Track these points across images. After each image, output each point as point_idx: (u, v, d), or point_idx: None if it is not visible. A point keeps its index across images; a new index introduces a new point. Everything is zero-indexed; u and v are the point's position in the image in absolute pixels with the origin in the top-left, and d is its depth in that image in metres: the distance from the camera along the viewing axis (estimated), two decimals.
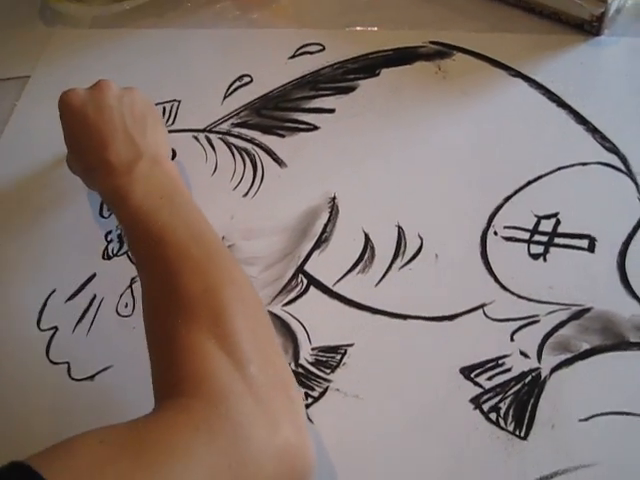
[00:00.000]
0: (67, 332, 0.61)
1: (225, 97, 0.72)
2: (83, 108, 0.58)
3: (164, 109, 0.72)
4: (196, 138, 0.70)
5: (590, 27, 0.66)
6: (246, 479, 0.38)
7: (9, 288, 0.64)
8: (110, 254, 0.64)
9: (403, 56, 0.69)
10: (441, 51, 0.68)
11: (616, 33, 0.67)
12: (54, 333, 0.61)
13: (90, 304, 0.62)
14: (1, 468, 0.33)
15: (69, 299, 0.62)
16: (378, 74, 0.69)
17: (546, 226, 0.57)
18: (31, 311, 0.62)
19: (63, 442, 0.35)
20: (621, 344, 0.52)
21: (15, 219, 0.68)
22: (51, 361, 0.59)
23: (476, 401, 0.51)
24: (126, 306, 0.61)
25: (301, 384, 0.54)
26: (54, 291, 0.63)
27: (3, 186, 0.70)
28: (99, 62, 0.73)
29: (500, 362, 0.53)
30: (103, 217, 0.67)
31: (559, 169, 0.60)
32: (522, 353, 0.53)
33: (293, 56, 0.72)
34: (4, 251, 0.66)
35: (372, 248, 0.59)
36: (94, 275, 0.63)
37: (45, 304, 0.62)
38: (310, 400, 0.53)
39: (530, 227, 0.57)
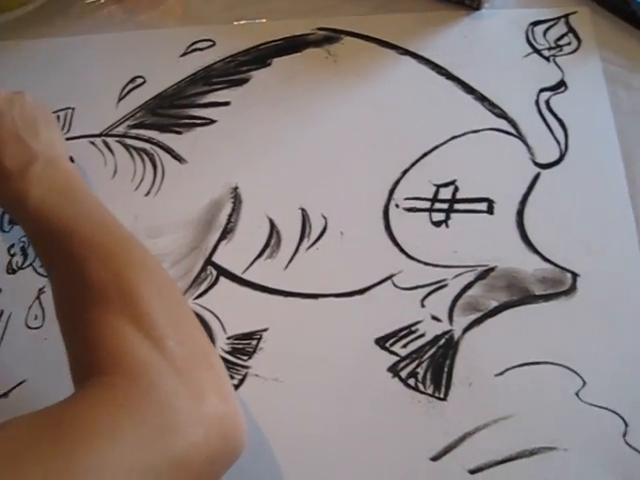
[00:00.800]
0: None
1: (119, 100, 0.70)
2: None
3: (58, 117, 0.70)
4: (93, 143, 0.68)
5: (470, 1, 0.68)
6: (176, 449, 0.37)
7: None
8: (14, 268, 0.62)
9: (293, 44, 0.70)
10: (329, 36, 0.69)
11: (495, 6, 0.69)
12: None
13: None
14: None
15: None
16: (270, 64, 0.69)
17: (445, 194, 0.59)
18: None
19: None
20: (527, 298, 0.53)
21: None
22: None
23: (394, 369, 0.52)
24: (35, 318, 0.59)
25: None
26: None
27: None
28: None
29: (413, 329, 0.53)
30: (4, 231, 0.64)
31: (452, 138, 0.61)
32: (434, 317, 0.53)
33: (184, 54, 0.72)
34: None
35: (278, 233, 0.59)
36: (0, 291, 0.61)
37: None
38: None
39: (430, 196, 0.59)
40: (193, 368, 0.41)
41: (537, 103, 0.62)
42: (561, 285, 0.54)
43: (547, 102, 0.62)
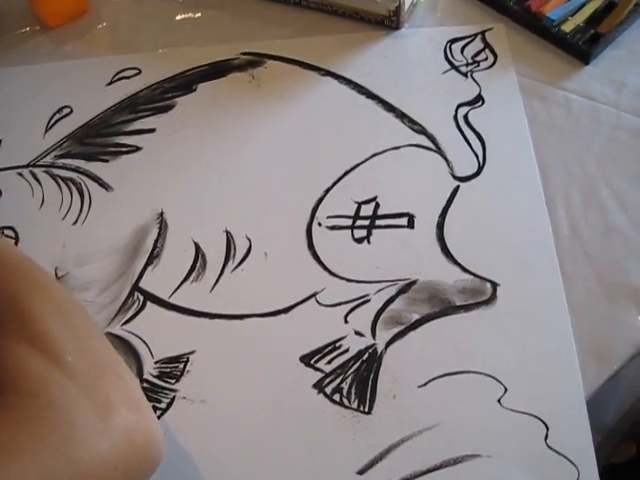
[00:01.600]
0: None
1: (47, 130, 0.70)
2: None
3: None
4: (20, 174, 0.68)
5: (390, 22, 0.70)
6: (80, 463, 0.37)
7: None
8: None
9: (217, 70, 0.70)
10: (253, 61, 0.70)
11: (414, 25, 0.71)
12: None
13: None
14: None
15: None
16: (195, 89, 0.70)
17: (366, 210, 0.59)
18: None
19: None
20: (448, 309, 0.54)
21: None
22: None
23: (319, 385, 0.52)
24: None
25: (148, 398, 0.52)
26: None
27: None
28: None
29: (337, 345, 0.54)
30: None
31: (373, 156, 0.62)
32: (357, 333, 0.54)
33: (110, 82, 0.72)
34: None
35: (203, 256, 0.60)
36: None
37: None
38: (159, 412, 0.53)
39: (351, 214, 0.60)
40: (97, 380, 0.41)
41: (455, 118, 0.64)
42: (481, 295, 0.55)
43: (465, 117, 0.64)
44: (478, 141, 0.63)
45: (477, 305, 0.54)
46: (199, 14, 0.76)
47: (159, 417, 0.53)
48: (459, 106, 0.65)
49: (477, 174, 0.61)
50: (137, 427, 0.41)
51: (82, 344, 0.44)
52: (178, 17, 0.77)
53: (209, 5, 0.77)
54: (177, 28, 0.75)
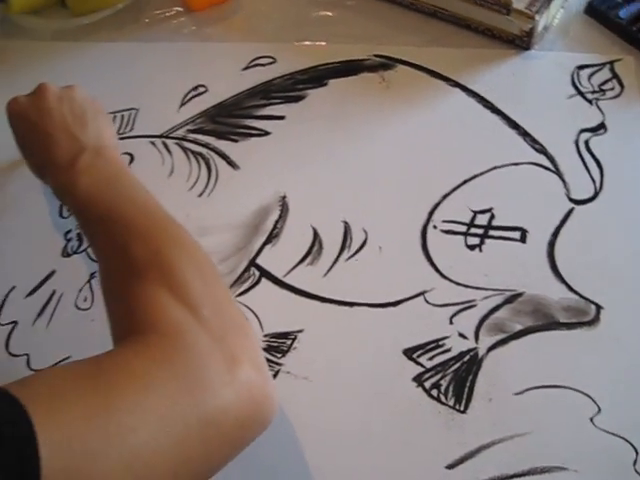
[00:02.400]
0: (27, 326, 0.62)
1: (181, 105, 0.75)
2: (26, 113, 0.62)
3: (122, 117, 0.75)
4: (153, 143, 0.73)
5: (521, 42, 0.72)
6: (207, 407, 0.41)
7: None
8: (69, 252, 0.67)
9: (349, 68, 0.74)
10: (384, 63, 0.73)
11: (544, 48, 0.73)
12: (13, 327, 0.63)
13: (50, 299, 0.64)
14: None
15: (29, 295, 0.64)
16: (326, 84, 0.73)
17: (481, 220, 0.62)
18: None
19: (39, 372, 0.38)
20: (551, 324, 0.56)
21: None
22: (10, 353, 0.61)
23: (418, 379, 0.55)
24: (85, 300, 0.63)
25: None
26: (14, 288, 0.65)
27: None
28: (58, 74, 0.76)
29: (440, 343, 0.56)
30: (63, 217, 0.69)
31: (494, 168, 0.64)
32: (460, 335, 0.56)
33: (246, 68, 0.76)
34: None
35: (320, 242, 0.63)
36: (53, 272, 0.65)
37: (4, 300, 0.64)
38: None
39: (467, 221, 0.62)
40: (227, 335, 0.45)
41: (577, 142, 0.66)
42: (585, 315, 0.56)
43: (586, 142, 0.65)
44: (597, 167, 0.64)
45: (579, 325, 0.56)
46: (334, 13, 0.79)
47: None
48: (581, 131, 0.66)
49: (593, 199, 0.62)
50: (257, 385, 0.44)
51: (216, 301, 0.47)
52: (314, 13, 0.80)
53: (344, 5, 0.80)
54: (313, 24, 0.79)
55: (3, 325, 0.63)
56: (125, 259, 0.49)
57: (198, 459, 0.41)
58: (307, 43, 0.77)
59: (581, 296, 0.57)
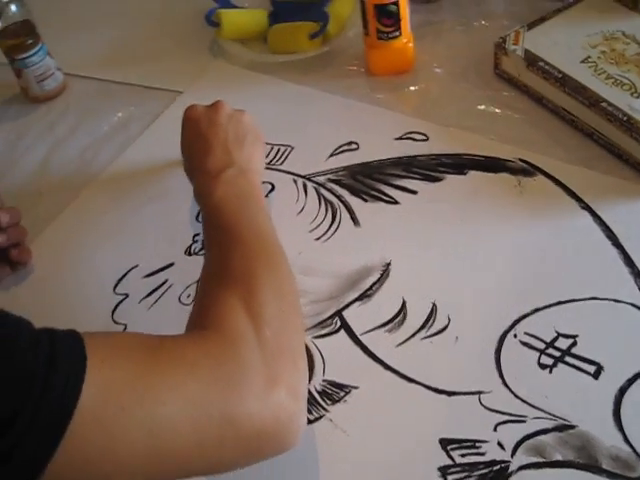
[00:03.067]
0: (134, 301, 0.71)
1: (331, 155, 0.82)
2: (198, 120, 0.71)
3: (278, 150, 0.83)
4: (295, 181, 0.80)
5: None
6: (233, 408, 0.46)
7: (104, 252, 0.76)
8: (191, 252, 0.75)
9: (492, 164, 0.77)
10: (526, 169, 0.75)
11: None
12: (123, 299, 0.72)
13: (160, 286, 0.72)
14: (64, 330, 0.44)
15: (146, 276, 0.73)
16: (465, 173, 0.77)
17: (562, 344, 0.62)
18: (113, 276, 0.74)
19: (113, 332, 0.51)
20: (592, 467, 0.55)
21: (127, 201, 0.81)
22: (113, 320, 0.70)
23: (444, 471, 0.57)
24: (188, 297, 0.71)
25: None
26: (136, 266, 0.74)
27: (128, 171, 0.84)
28: (238, 96, 0.84)
29: (477, 445, 0.57)
30: (198, 221, 0.77)
31: (593, 299, 0.65)
32: (499, 444, 0.57)
33: (399, 138, 0.82)
34: (109, 220, 0.79)
35: (405, 314, 0.66)
36: (172, 264, 0.74)
37: (126, 274, 0.74)
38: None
39: (548, 340, 0.62)
40: (278, 360, 0.50)
41: None
42: (631, 471, 0.55)
43: None
44: None
45: (622, 478, 0.55)
46: (501, 111, 0.83)
47: None
48: None
49: None
50: (288, 410, 0.49)
51: (282, 327, 0.53)
52: (482, 106, 0.84)
53: (513, 107, 0.83)
54: (475, 115, 0.83)
55: (117, 294, 0.72)
56: (223, 267, 0.57)
57: (211, 450, 0.46)
58: (461, 131, 0.81)
59: (635, 451, 0.56)
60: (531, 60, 0.80)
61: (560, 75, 0.78)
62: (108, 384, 0.43)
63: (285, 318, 0.54)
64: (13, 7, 0.90)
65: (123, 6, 1.13)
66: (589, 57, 0.79)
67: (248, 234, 0.60)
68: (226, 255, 0.58)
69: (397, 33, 0.85)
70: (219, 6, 0.98)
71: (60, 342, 0.43)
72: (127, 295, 0.72)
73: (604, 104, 0.74)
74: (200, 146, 0.70)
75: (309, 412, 0.61)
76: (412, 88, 0.88)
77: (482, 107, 0.84)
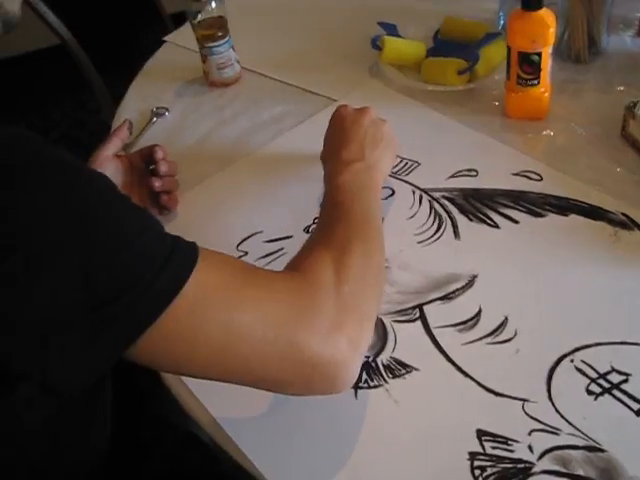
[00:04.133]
0: (251, 259, 0.83)
1: (451, 177, 0.90)
2: (346, 118, 0.83)
3: (406, 163, 0.93)
4: (413, 192, 0.89)
5: None
6: (297, 334, 0.56)
7: (238, 215, 0.89)
8: (309, 230, 0.86)
9: (593, 212, 0.82)
10: (625, 222, 0.80)
11: None
12: (242, 255, 0.84)
13: (275, 252, 0.84)
14: (188, 240, 0.56)
15: (266, 242, 0.85)
16: (567, 215, 0.83)
17: (614, 378, 0.67)
18: (239, 235, 0.86)
19: (225, 254, 0.59)
20: None
21: (268, 179, 0.94)
22: None
23: (473, 455, 0.63)
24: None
25: (367, 372, 0.70)
26: (261, 232, 0.86)
27: (275, 156, 0.98)
28: (386, 112, 0.92)
29: (509, 442, 0.64)
30: (321, 207, 0.88)
31: None
32: (529, 447, 0.63)
33: (516, 174, 0.89)
34: (249, 191, 0.93)
35: (478, 320, 0.73)
36: (291, 236, 0.85)
37: (250, 236, 0.86)
38: (364, 383, 0.69)
39: (601, 372, 0.67)
40: (348, 313, 0.59)
41: None
42: None
43: None
44: None
45: None
46: (615, 168, 0.88)
47: (361, 387, 0.69)
48: None
49: None
50: (343, 354, 0.58)
51: (360, 290, 0.62)
52: (598, 162, 0.89)
53: (626, 166, 0.87)
54: (591, 168, 0.88)
55: (238, 251, 0.84)
56: (327, 232, 0.68)
57: (270, 363, 0.56)
58: (574, 179, 0.87)
59: None
60: None
61: None
62: (207, 285, 0.54)
63: (365, 284, 0.64)
64: (213, 4, 1.06)
65: (305, 22, 1.29)
66: None
67: (356, 213, 0.71)
68: (333, 224, 0.69)
69: (536, 82, 0.93)
70: (386, 33, 1.10)
71: (181, 245, 0.54)
72: (246, 253, 0.84)
73: None
74: (340, 138, 0.82)
75: (370, 379, 0.70)
76: (541, 134, 0.95)
77: (600, 162, 0.89)
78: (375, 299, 0.65)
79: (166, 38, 1.31)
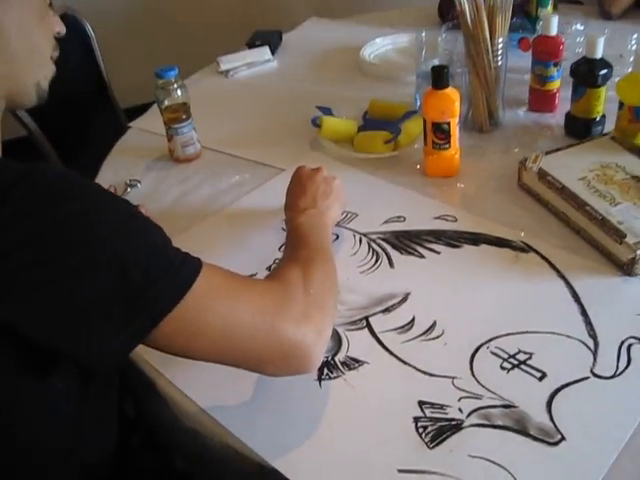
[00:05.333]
0: None
1: (384, 222, 1.11)
2: (302, 175, 1.05)
3: (347, 214, 1.13)
4: (354, 235, 1.09)
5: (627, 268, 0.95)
6: (273, 323, 0.72)
7: (212, 257, 1.06)
8: (270, 269, 1.03)
9: (498, 242, 1.03)
10: (523, 247, 1.01)
11: None
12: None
13: None
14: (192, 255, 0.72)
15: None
16: (478, 245, 1.03)
17: (521, 357, 0.85)
18: None
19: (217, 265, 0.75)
20: (523, 432, 0.77)
21: (235, 229, 1.12)
22: None
23: (417, 419, 0.80)
24: None
25: (327, 368, 0.86)
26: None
27: (238, 213, 1.17)
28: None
29: (444, 407, 0.81)
30: (279, 251, 1.07)
31: (551, 332, 0.88)
32: (459, 409, 0.80)
33: (437, 217, 1.10)
34: (221, 239, 1.11)
35: (412, 325, 0.91)
36: (256, 274, 1.02)
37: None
38: (325, 376, 0.85)
39: (511, 353, 0.86)
40: (314, 308, 0.77)
41: (621, 345, 0.86)
42: (550, 437, 0.76)
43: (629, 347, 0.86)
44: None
45: (543, 442, 0.76)
46: (514, 208, 1.10)
47: (323, 379, 0.85)
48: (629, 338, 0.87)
49: (613, 377, 0.82)
50: (311, 339, 0.74)
51: (321, 293, 0.80)
52: (501, 205, 1.11)
53: (523, 206, 1.10)
54: (496, 210, 1.10)
55: None
56: (294, 255, 0.87)
57: (256, 343, 0.72)
58: (482, 218, 1.08)
59: (555, 426, 0.77)
60: (542, 175, 1.08)
61: (560, 186, 1.05)
62: (210, 283, 0.71)
63: (325, 290, 0.82)
64: (179, 92, 1.27)
65: (255, 107, 1.53)
66: (586, 177, 1.06)
67: (314, 243, 0.90)
68: (297, 250, 0.88)
69: (447, 145, 1.15)
70: (322, 114, 1.32)
71: (189, 255, 0.71)
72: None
73: (588, 208, 1.00)
74: (298, 191, 1.02)
75: (331, 372, 0.86)
76: (454, 187, 1.17)
77: (502, 205, 1.11)
78: (333, 301, 0.83)
79: (131, 124, 1.51)
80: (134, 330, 0.67)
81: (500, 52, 1.24)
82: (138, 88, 2.15)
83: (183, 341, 0.71)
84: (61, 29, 0.84)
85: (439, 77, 1.11)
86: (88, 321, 0.65)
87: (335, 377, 0.86)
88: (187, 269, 0.70)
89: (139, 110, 1.57)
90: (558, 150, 1.14)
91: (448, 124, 1.13)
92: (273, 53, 1.78)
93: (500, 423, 0.78)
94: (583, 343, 0.87)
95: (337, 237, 1.09)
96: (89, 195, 0.67)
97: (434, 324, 0.91)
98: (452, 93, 1.13)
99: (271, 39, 1.82)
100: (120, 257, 0.65)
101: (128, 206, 0.71)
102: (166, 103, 1.27)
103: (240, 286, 0.75)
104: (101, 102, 1.95)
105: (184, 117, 1.28)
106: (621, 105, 1.16)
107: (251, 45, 1.81)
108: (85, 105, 1.89)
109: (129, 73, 2.52)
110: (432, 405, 0.81)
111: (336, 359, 0.88)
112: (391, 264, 1.03)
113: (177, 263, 0.69)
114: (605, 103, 1.23)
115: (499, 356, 0.86)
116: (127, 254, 0.66)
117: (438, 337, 0.90)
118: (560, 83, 1.34)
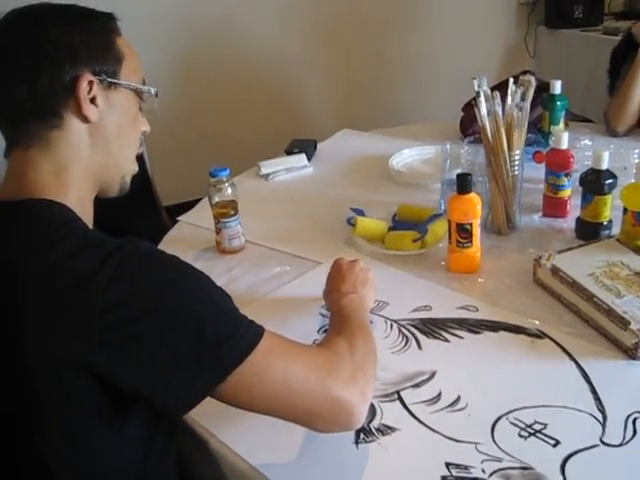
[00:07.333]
0: None
1: (412, 311, 1.23)
2: (341, 265, 1.19)
3: (379, 303, 1.25)
4: (386, 322, 1.21)
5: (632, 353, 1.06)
6: (324, 384, 0.84)
7: None
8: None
9: (516, 329, 1.15)
10: (539, 334, 1.13)
11: None
12: None
13: None
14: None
15: None
16: (497, 332, 1.15)
17: (537, 427, 0.95)
18: None
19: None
20: None
21: (279, 315, 1.25)
22: None
23: (444, 478, 0.89)
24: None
25: (363, 433, 0.97)
26: None
27: (279, 300, 1.30)
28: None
29: (468, 468, 0.90)
30: (318, 333, 1.19)
31: (563, 407, 0.98)
32: (482, 470, 0.90)
33: (460, 307, 1.22)
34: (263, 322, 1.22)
35: (439, 398, 1.02)
36: None
37: None
38: (362, 440, 0.96)
39: (528, 423, 0.96)
40: (358, 373, 0.89)
41: (627, 419, 0.96)
42: None
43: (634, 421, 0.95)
44: None
45: None
46: (531, 301, 1.22)
47: (360, 440, 0.95)
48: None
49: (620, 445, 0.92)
50: (355, 400, 0.86)
51: (364, 361, 0.93)
52: (519, 298, 1.23)
53: (538, 299, 1.22)
54: (514, 302, 1.22)
55: None
56: (339, 329, 1.00)
57: (310, 400, 0.85)
58: (501, 309, 1.20)
59: None
60: (555, 271, 1.21)
61: (571, 281, 1.18)
62: (271, 345, 0.84)
63: (367, 359, 0.94)
64: (229, 190, 1.43)
65: (296, 207, 1.70)
66: (594, 273, 1.19)
67: (355, 320, 1.03)
68: (341, 326, 1.01)
69: (470, 244, 1.29)
70: (356, 214, 1.47)
71: (254, 322, 0.85)
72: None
73: (596, 299, 1.12)
74: (338, 278, 1.16)
75: (367, 437, 0.96)
76: (476, 282, 1.30)
77: (519, 298, 1.23)
78: (374, 369, 0.95)
79: (179, 218, 1.67)
80: (206, 381, 0.79)
81: (517, 163, 1.40)
82: (177, 188, 2.44)
83: (247, 394, 0.83)
84: (147, 129, 1.01)
85: (463, 183, 1.26)
86: (169, 371, 0.78)
87: (370, 441, 0.96)
88: (253, 331, 0.83)
89: (179, 208, 1.74)
90: (569, 249, 1.28)
91: (471, 225, 1.27)
92: (309, 160, 1.96)
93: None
94: (593, 416, 0.97)
95: (371, 322, 1.21)
96: (177, 266, 0.82)
97: (458, 398, 1.02)
98: (474, 197, 1.28)
99: (307, 147, 2.00)
100: (199, 319, 0.78)
101: (207, 277, 0.85)
102: (216, 199, 1.43)
103: (296, 349, 0.87)
104: (144, 199, 2.12)
105: (232, 212, 1.44)
106: (625, 210, 1.30)
107: (289, 152, 1.99)
108: (129, 202, 2.07)
109: (172, 174, 2.76)
110: (457, 466, 0.91)
111: (371, 426, 0.99)
112: (419, 346, 1.14)
113: (244, 327, 0.82)
114: (612, 209, 1.37)
115: (517, 425, 0.96)
116: (205, 317, 0.79)
117: (462, 409, 1.00)
118: (571, 191, 1.50)
